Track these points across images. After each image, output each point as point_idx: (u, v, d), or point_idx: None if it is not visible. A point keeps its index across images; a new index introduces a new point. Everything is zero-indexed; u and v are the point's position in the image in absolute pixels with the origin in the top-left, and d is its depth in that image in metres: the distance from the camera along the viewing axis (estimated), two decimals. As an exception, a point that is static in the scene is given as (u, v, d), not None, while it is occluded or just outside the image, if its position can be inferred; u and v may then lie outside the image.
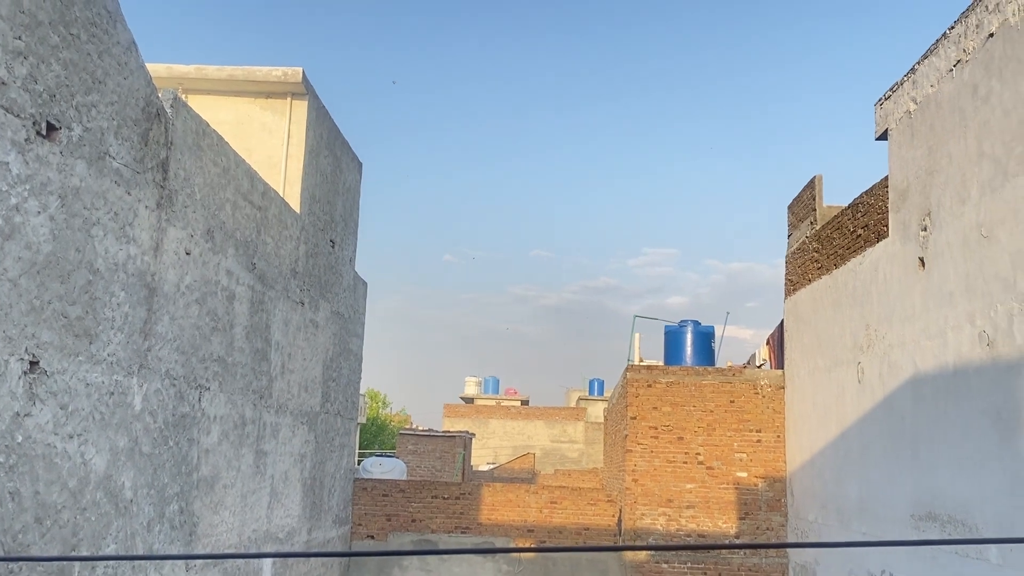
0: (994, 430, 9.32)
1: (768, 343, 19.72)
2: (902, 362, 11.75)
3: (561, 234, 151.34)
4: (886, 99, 12.52)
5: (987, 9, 9.75)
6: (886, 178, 12.59)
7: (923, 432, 11.05)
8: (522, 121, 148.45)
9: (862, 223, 13.63)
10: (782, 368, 17.75)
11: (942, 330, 10.59)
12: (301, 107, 14.07)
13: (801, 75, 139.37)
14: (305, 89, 13.96)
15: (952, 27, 10.56)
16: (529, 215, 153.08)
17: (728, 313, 39.80)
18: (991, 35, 9.65)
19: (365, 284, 18.30)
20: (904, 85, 11.92)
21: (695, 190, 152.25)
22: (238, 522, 11.18)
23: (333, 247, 15.55)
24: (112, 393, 7.79)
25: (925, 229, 11.15)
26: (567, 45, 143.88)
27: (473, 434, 35.79)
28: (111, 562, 7.85)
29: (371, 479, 18.68)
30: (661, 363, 19.82)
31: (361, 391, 26.49)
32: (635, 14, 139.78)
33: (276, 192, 12.53)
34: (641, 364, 19.18)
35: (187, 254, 9.29)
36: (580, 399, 56.32)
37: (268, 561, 12.19)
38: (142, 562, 8.48)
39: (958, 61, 10.39)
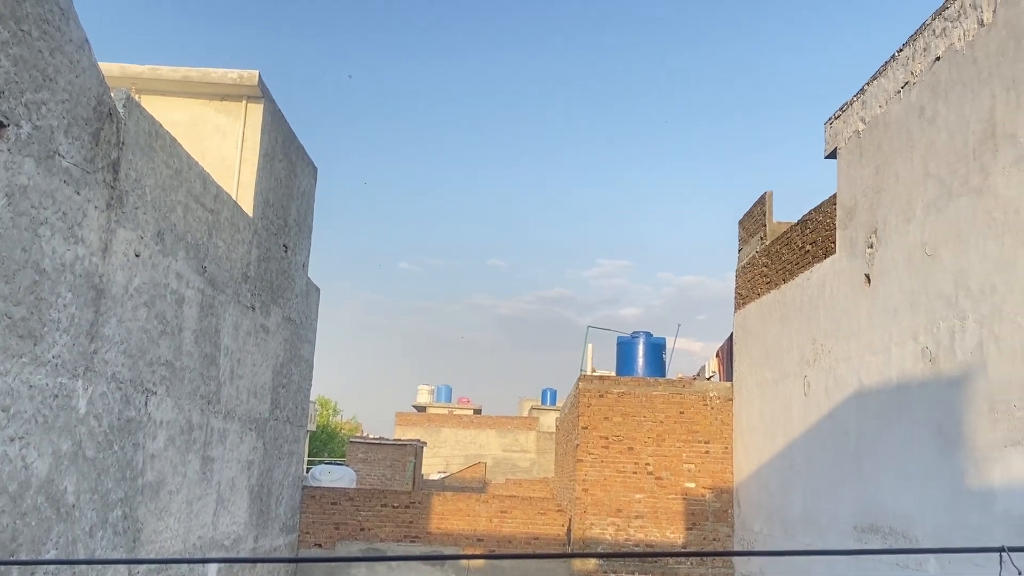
0: (935, 445, 9.52)
1: (717, 355, 19.94)
2: (847, 376, 11.96)
3: (518, 244, 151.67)
4: (836, 118, 12.77)
5: (934, 33, 10.01)
6: (834, 195, 12.82)
7: (866, 445, 11.26)
8: (480, 131, 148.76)
9: (810, 239, 13.87)
10: (731, 380, 17.97)
11: (886, 345, 10.81)
12: (256, 110, 13.95)
13: (754, 93, 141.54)
14: (261, 92, 13.85)
15: (901, 50, 10.81)
16: (487, 224, 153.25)
17: (679, 325, 40.23)
18: (938, 59, 9.90)
19: (318, 290, 18.17)
20: (853, 105, 12.16)
21: (649, 203, 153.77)
22: (183, 528, 11.02)
23: (286, 252, 15.42)
24: (56, 396, 7.65)
25: (871, 246, 11.38)
26: (527, 55, 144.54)
27: (424, 443, 35.63)
28: (51, 567, 7.68)
29: (320, 487, 18.51)
30: (613, 374, 19.94)
31: (311, 398, 26.25)
32: (593, 24, 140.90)
33: (229, 195, 12.40)
34: (594, 374, 19.28)
35: (136, 256, 9.16)
36: (533, 409, 56.38)
37: (213, 567, 12.02)
38: (84, 567, 8.32)
39: (906, 83, 10.65)
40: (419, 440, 33.62)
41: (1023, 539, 7.86)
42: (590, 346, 21.67)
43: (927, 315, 9.83)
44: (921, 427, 9.83)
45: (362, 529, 17.77)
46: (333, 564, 17.48)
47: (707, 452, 17.32)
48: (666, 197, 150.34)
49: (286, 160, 15.36)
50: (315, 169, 17.43)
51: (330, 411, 68.70)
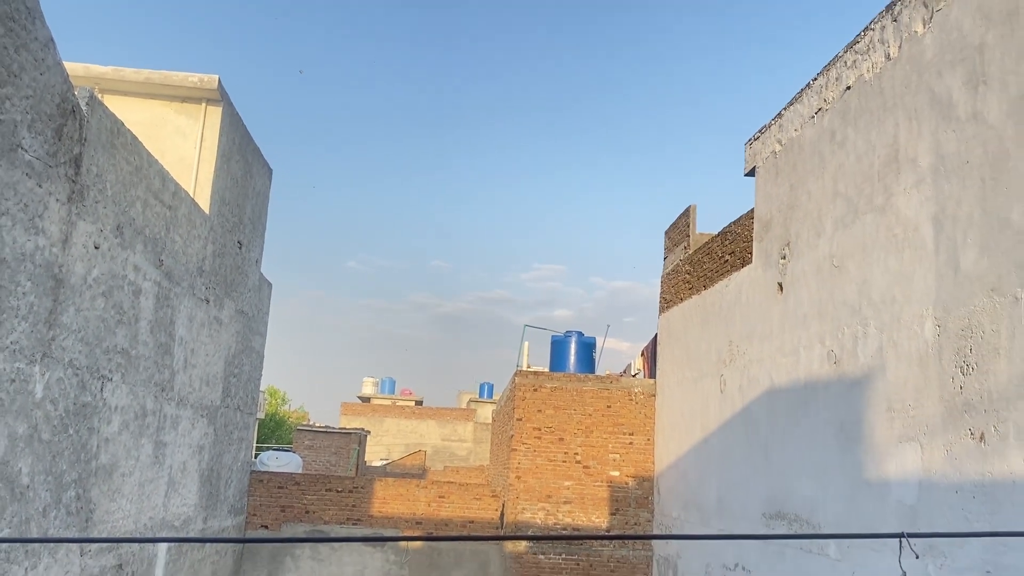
0: (837, 440, 9.75)
1: (643, 355, 20.16)
2: (759, 376, 12.18)
3: (460, 246, 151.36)
4: (755, 139, 13.00)
5: (846, 65, 10.26)
6: (752, 210, 13.06)
7: (776, 439, 11.48)
8: (429, 134, 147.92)
9: (729, 249, 14.10)
10: (654, 378, 18.17)
11: (796, 348, 11.04)
12: (215, 113, 13.71)
13: (683, 116, 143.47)
14: (220, 95, 13.61)
15: (815, 78, 11.06)
16: (431, 226, 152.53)
17: (608, 326, 40.53)
18: (848, 88, 10.15)
19: (270, 285, 17.92)
20: (771, 128, 12.40)
21: (584, 212, 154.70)
22: (135, 509, 10.77)
23: (240, 248, 15.18)
24: (13, 380, 7.41)
25: (784, 257, 11.61)
26: (475, 58, 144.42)
27: (368, 431, 35.36)
28: (4, 545, 7.43)
29: (267, 472, 18.25)
30: (547, 369, 20.03)
31: (261, 388, 25.88)
32: (536, 33, 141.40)
33: (187, 193, 12.17)
34: (529, 370, 19.34)
35: (96, 248, 8.92)
36: (471, 401, 56.30)
37: (163, 547, 11.77)
38: (36, 546, 8.07)
39: (819, 109, 10.89)
40: (363, 429, 33.37)
41: (914, 526, 8.10)
42: (526, 344, 21.75)
43: (833, 321, 10.07)
44: (825, 424, 10.07)
45: (307, 512, 17.57)
46: (279, 544, 17.25)
47: (631, 443, 17.50)
48: (600, 207, 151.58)
49: (242, 161, 15.12)
50: (270, 170, 17.18)
51: (279, 400, 67.83)
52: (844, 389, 9.68)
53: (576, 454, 17.32)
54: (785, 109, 11.95)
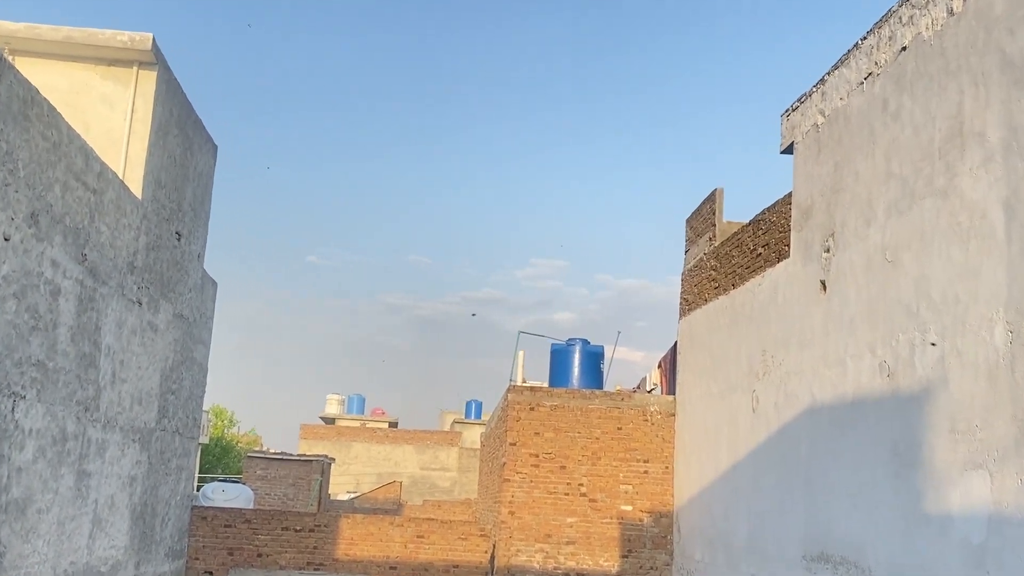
0: (890, 466, 9.76)
1: (660, 366, 20.18)
2: (799, 391, 12.19)
3: (443, 238, 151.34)
4: (793, 110, 13.02)
5: (900, 21, 10.27)
6: (790, 194, 13.07)
7: (817, 466, 11.49)
8: (405, 112, 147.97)
9: (763, 241, 14.12)
10: (673, 394, 18.18)
11: (841, 358, 11.05)
12: (149, 78, 13.67)
13: (706, 82, 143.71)
14: (154, 58, 13.57)
15: (865, 38, 11.07)
16: (408, 216, 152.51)
17: (619, 332, 40.45)
18: (904, 48, 10.16)
19: (215, 284, 17.88)
20: (812, 96, 12.42)
21: (589, 198, 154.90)
22: (53, 553, 10.71)
23: (179, 240, 15.14)
24: (-95, 398, 7.36)
25: (828, 250, 11.62)
26: (461, 37, 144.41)
27: (333, 459, 35.34)
28: None
29: (212, 507, 18.21)
30: (545, 384, 20.02)
31: (205, 407, 25.81)
32: (535, 15, 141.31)
33: (115, 174, 12.13)
34: (524, 385, 19.33)
35: (6, 240, 8.87)
36: (455, 422, 56.30)
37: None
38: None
39: (869, 74, 10.90)
40: (326, 456, 33.34)
41: (981, 569, 8.10)
42: (520, 353, 21.76)
43: (886, 326, 10.08)
44: (876, 447, 10.07)
45: (259, 555, 17.50)
46: (226, 594, 17.18)
47: (646, 472, 17.50)
48: (609, 192, 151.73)
49: (182, 136, 15.07)
50: (214, 147, 17.15)
51: (226, 422, 67.75)
52: (899, 406, 9.69)
53: (581, 485, 17.32)
54: (829, 74, 11.96)
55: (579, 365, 19.72)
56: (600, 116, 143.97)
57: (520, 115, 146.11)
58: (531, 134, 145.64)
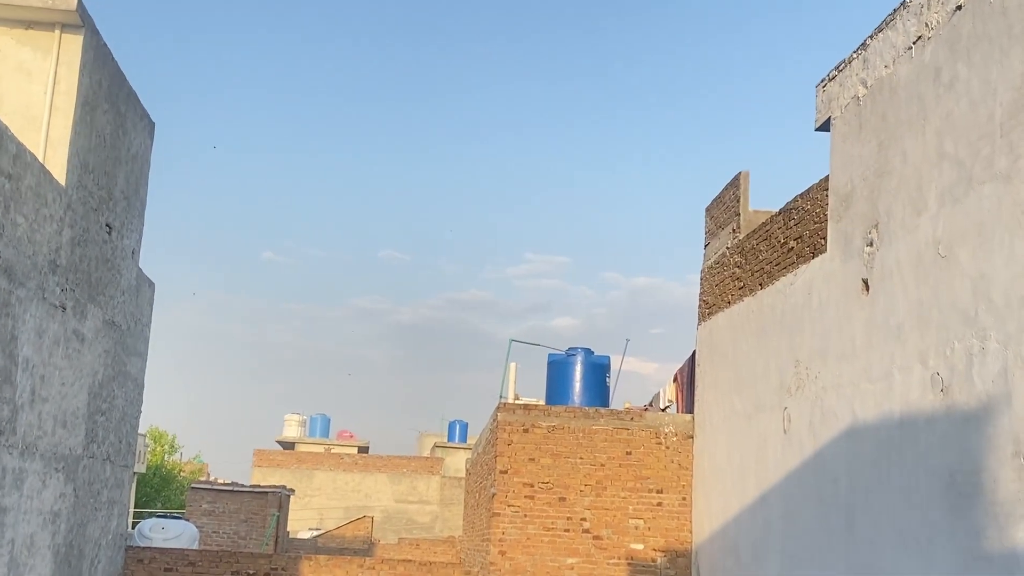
0: (945, 497, 9.77)
1: (676, 380, 20.18)
2: (838, 409, 12.20)
3: (422, 230, 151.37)
4: (830, 80, 13.03)
5: (954, -24, 10.29)
6: (826, 179, 13.09)
7: (860, 497, 11.50)
8: (376, 84, 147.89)
9: (795, 233, 14.14)
10: (692, 412, 18.19)
11: (887, 371, 11.06)
12: (74, 43, 13.64)
13: (730, 50, 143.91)
14: (81, 20, 13.54)
15: (912, -5, 11.09)
16: (380, 206, 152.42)
17: (628, 341, 40.23)
18: (959, 7, 10.18)
19: (152, 285, 17.86)
20: (852, 64, 12.44)
21: (594, 182, 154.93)
22: (-39, 603, 10.68)
23: (110, 234, 15.11)
24: None
25: (871, 244, 11.64)
26: (451, 15, 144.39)
27: (292, 490, 35.27)
28: None
29: (150, 548, 18.19)
30: (542, 402, 20.01)
31: (141, 429, 25.74)
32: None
33: (34, 156, 12.09)
34: (517, 402, 19.31)
35: (-97, 234, 8.84)
36: (437, 446, 56.32)
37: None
38: None
39: (919, 37, 10.92)
40: (284, 487, 33.27)
41: (1051, 617, 8.12)
42: (513, 365, 21.72)
43: (939, 333, 10.09)
44: (928, 475, 10.08)
45: (206, 604, 17.50)
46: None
47: (660, 504, 17.51)
48: (617, 177, 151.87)
49: (113, 111, 15.05)
50: (151, 124, 17.12)
51: (166, 447, 67.63)
52: (955, 427, 9.70)
53: (583, 520, 17.33)
54: (872, 37, 11.99)
55: (581, 379, 19.72)
56: (610, 89, 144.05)
57: (513, 86, 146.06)
58: (527, 108, 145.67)
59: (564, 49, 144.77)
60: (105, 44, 14.53)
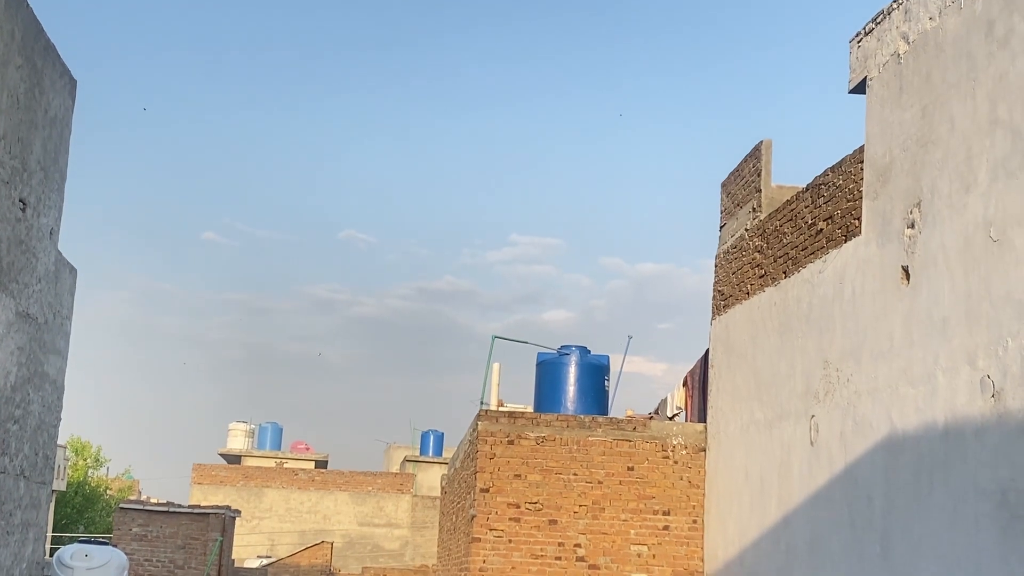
0: (996, 517, 9.82)
1: (686, 384, 20.25)
2: (872, 417, 12.25)
3: (388, 208, 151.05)
4: (866, 34, 13.06)
5: (1010, -87, 10.32)
6: (861, 149, 13.12)
7: (898, 519, 11.56)
8: (337, 39, 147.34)
9: (825, 213, 14.17)
10: (704, 421, 18.24)
11: (931, 372, 11.10)
12: (-18, -12, 13.59)
13: (753, 5, 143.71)
14: (-11, -41, 13.50)
15: (961, -64, 11.12)
16: (340, 179, 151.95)
17: (631, 338, 40.36)
18: (1014, -49, 10.22)
19: (74, 271, 17.80)
20: (892, 15, 12.46)
21: (590, 157, 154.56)
22: None
23: (24, 211, 15.07)
24: None
25: (912, 226, 11.68)
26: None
27: (238, 511, 35.25)
28: None
29: (72, 578, 18.15)
30: (530, 408, 20.05)
31: (61, 440, 25.70)
32: None
33: (-65, 120, 12.05)
34: (500, 409, 19.35)
35: None
36: (407, 460, 56.40)
37: None
38: None
39: (968, -15, 10.96)
40: (229, 508, 33.25)
41: (1117, 658, 8.19)
42: (496, 366, 21.76)
43: (991, 329, 10.13)
44: (977, 493, 10.13)
45: (137, 643, 17.53)
46: None
47: (666, 528, 17.56)
48: (618, 148, 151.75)
49: (28, 67, 15.00)
50: (73, 82, 17.05)
51: (89, 461, 67.49)
52: (1008, 438, 9.75)
53: (578, 546, 17.37)
54: (914, -16, 12.02)
55: (576, 381, 19.74)
56: (610, 51, 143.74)
57: (499, 47, 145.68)
58: (514, 72, 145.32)
59: (563, 14, 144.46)
60: (18, -12, 14.47)
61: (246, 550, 44.17)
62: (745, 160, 17.72)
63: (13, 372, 15.05)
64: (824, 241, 14.10)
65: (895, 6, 12.41)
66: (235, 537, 34.65)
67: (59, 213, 16.81)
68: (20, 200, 14.91)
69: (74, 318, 17.99)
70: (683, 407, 20.16)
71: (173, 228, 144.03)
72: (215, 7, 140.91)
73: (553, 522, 17.42)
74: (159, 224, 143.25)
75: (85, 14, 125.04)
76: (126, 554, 24.51)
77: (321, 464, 58.67)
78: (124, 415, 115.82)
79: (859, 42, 13.26)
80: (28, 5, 14.90)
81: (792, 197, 15.53)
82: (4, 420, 14.84)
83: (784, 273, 15.28)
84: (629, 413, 20.81)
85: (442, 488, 28.05)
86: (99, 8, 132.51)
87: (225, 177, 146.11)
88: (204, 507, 31.25)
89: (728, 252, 17.99)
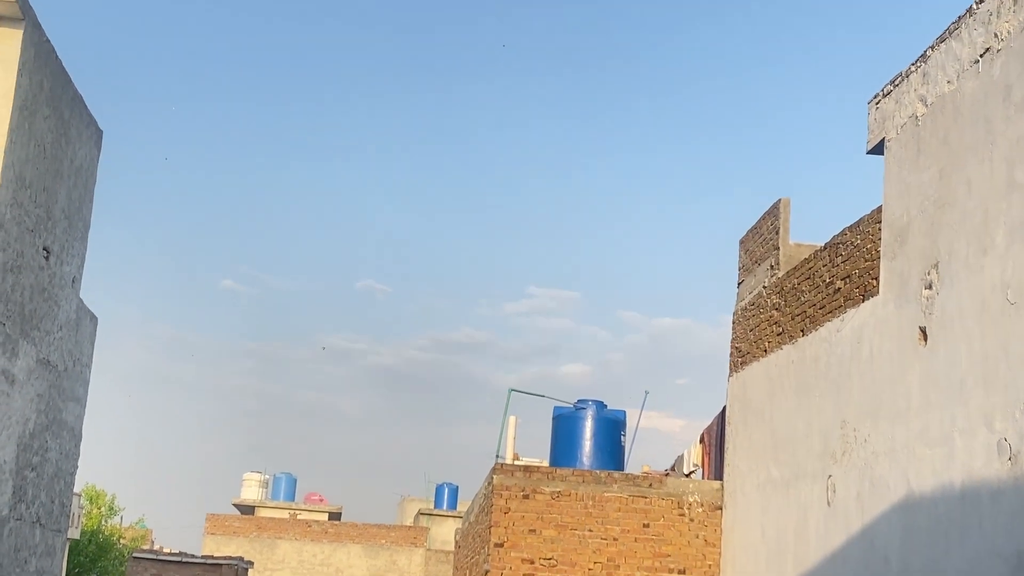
0: (1013, 581, 9.83)
1: (703, 441, 20.22)
2: (890, 478, 12.24)
3: (406, 258, 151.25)
4: (884, 96, 13.16)
5: (1028, -21, 10.45)
6: (879, 210, 13.18)
7: (915, 581, 11.54)
8: (355, 92, 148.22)
9: (843, 272, 14.21)
10: (721, 479, 18.20)
11: (948, 434, 11.11)
12: (12, 39, 13.77)
13: (769, 64, 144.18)
14: (21, 12, 13.69)
15: (980, 1, 11.23)
16: (360, 226, 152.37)
17: (647, 393, 40.29)
18: (1032, 16, 10.34)
19: (95, 320, 17.91)
20: (910, 78, 12.56)
21: (609, 211, 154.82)
22: None
23: (48, 259, 15.20)
24: None
25: (930, 287, 11.72)
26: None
27: (251, 562, 35.25)
28: None
29: (85, 626, 18.17)
30: (546, 463, 20.03)
31: (77, 488, 25.71)
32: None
33: (-37, 168, 12.18)
34: (516, 463, 19.34)
35: None
36: (421, 513, 56.18)
37: None
38: None
39: (987, 49, 11.05)
40: (242, 559, 33.25)
41: None
42: (512, 419, 21.77)
43: (1009, 391, 10.15)
44: (994, 558, 10.11)
45: None
46: None
47: (682, 586, 17.49)
48: (638, 204, 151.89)
49: (55, 118, 15.17)
50: (99, 133, 17.23)
51: (104, 509, 67.13)
52: (1024, 501, 9.75)
53: (592, 603, 17.30)
54: (933, 48, 12.12)
55: (592, 436, 19.73)
56: (632, 109, 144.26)
57: (518, 104, 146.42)
58: (535, 122, 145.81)
59: (583, 66, 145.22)
60: (48, 40, 14.66)
61: (259, 602, 44.04)
62: (763, 218, 17.80)
63: (32, 419, 15.12)
64: (842, 300, 14.14)
65: (913, 69, 12.52)
66: (248, 588, 34.57)
67: (82, 261, 16.93)
68: (44, 248, 15.04)
69: (95, 365, 18.07)
70: (700, 464, 20.13)
71: (192, 276, 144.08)
72: (236, 61, 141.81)
73: (568, 578, 17.37)
74: (179, 272, 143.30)
75: (110, 61, 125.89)
76: (139, 603, 24.55)
77: (335, 516, 58.51)
78: (139, 463, 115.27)
79: (877, 104, 13.37)
80: (57, 57, 15.11)
81: (810, 255, 15.58)
82: (22, 467, 14.90)
83: (802, 331, 15.32)
84: (645, 469, 20.79)
85: (456, 542, 27.96)
86: (124, 57, 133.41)
87: (244, 226, 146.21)
88: (217, 557, 31.25)
89: (746, 309, 18.03)
